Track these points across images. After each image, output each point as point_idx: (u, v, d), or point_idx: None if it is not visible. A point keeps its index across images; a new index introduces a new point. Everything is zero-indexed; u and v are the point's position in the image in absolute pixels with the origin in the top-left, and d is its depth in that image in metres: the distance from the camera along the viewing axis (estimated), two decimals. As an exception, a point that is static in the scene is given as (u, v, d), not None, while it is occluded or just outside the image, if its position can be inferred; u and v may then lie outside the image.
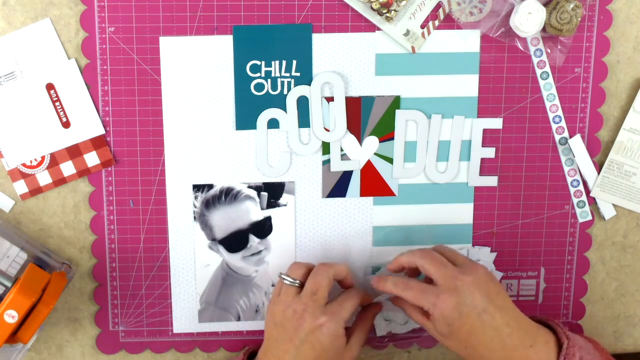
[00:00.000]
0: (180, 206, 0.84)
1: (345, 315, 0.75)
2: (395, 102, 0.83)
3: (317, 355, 0.74)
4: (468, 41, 0.82)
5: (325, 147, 0.83)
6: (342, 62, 0.82)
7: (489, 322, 0.72)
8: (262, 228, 0.85)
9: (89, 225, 0.84)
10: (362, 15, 0.81)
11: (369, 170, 0.85)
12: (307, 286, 0.75)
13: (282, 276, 0.77)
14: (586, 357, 0.73)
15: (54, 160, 0.81)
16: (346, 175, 0.84)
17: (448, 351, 0.90)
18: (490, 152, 0.85)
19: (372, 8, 0.79)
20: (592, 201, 0.87)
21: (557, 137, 0.85)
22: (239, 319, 0.87)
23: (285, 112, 0.82)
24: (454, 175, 0.85)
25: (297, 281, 0.76)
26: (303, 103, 0.82)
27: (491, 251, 0.87)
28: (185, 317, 0.86)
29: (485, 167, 0.85)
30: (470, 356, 0.73)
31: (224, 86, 0.82)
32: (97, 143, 0.82)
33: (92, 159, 0.82)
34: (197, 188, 0.83)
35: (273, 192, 0.84)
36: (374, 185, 0.85)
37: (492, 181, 0.85)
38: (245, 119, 0.82)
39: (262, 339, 0.80)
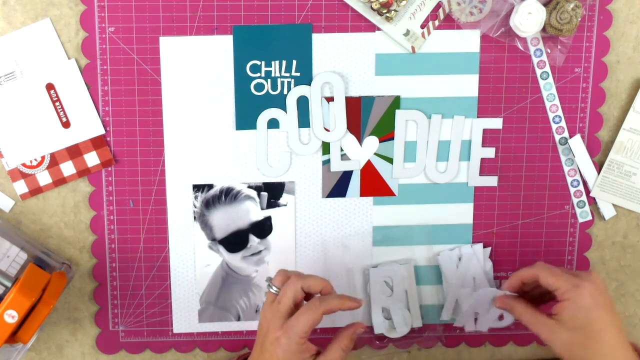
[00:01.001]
0: (180, 206, 0.84)
1: (299, 330, 0.70)
2: (395, 102, 0.83)
3: None
4: (468, 41, 0.82)
5: (325, 147, 0.83)
6: (342, 62, 0.82)
7: (615, 323, 0.71)
8: (262, 228, 0.85)
9: (89, 225, 0.84)
10: (362, 15, 0.81)
11: (369, 170, 0.85)
12: (278, 296, 0.74)
13: (266, 282, 0.76)
14: None
15: (54, 160, 0.81)
16: (346, 175, 0.84)
17: (448, 351, 0.90)
18: (490, 152, 0.85)
19: (372, 8, 0.79)
20: (592, 201, 0.87)
21: (557, 137, 0.85)
22: (239, 319, 0.87)
23: (285, 112, 0.82)
24: (454, 175, 0.85)
25: (277, 289, 0.74)
26: (303, 103, 0.82)
27: (487, 248, 0.87)
28: (185, 317, 0.86)
29: (485, 167, 0.85)
30: (591, 354, 0.70)
31: (224, 86, 0.82)
32: (97, 143, 0.82)
33: (92, 159, 0.82)
34: (197, 188, 0.83)
35: (273, 192, 0.84)
36: (374, 185, 0.85)
37: (492, 181, 0.85)
38: (245, 119, 0.82)
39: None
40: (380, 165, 0.84)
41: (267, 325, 0.72)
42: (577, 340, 0.71)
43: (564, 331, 0.71)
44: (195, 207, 0.84)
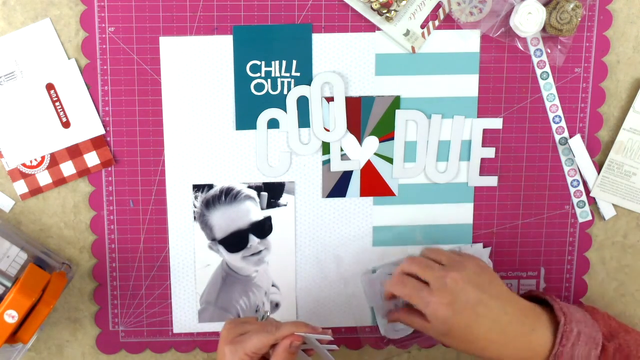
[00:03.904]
0: (180, 206, 0.84)
1: (247, 347, 0.69)
2: (395, 102, 0.83)
3: None
4: (468, 41, 0.82)
5: (325, 147, 0.83)
6: (342, 62, 0.82)
7: (485, 314, 0.73)
8: (262, 228, 0.85)
9: (89, 225, 0.84)
10: (362, 15, 0.81)
11: (369, 170, 0.85)
12: (247, 331, 0.72)
13: (262, 313, 0.75)
14: (584, 330, 0.74)
15: (54, 160, 0.81)
16: (346, 175, 0.84)
17: (448, 351, 0.90)
18: (490, 152, 0.85)
19: (372, 8, 0.79)
20: (592, 201, 0.87)
21: (557, 137, 0.85)
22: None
23: (285, 112, 0.82)
24: (454, 175, 0.85)
25: (264, 315, 0.74)
26: (303, 103, 0.82)
27: (487, 248, 0.87)
28: (185, 317, 0.86)
29: (485, 167, 0.85)
30: (471, 350, 0.74)
31: (224, 86, 0.82)
32: (97, 143, 0.82)
33: (92, 159, 0.82)
34: (197, 188, 0.83)
35: (273, 192, 0.84)
36: (374, 185, 0.85)
37: (492, 181, 0.85)
38: (245, 119, 0.82)
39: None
40: (380, 165, 0.84)
41: (220, 336, 0.72)
42: (451, 340, 0.74)
43: (438, 334, 0.75)
44: (195, 207, 0.84)
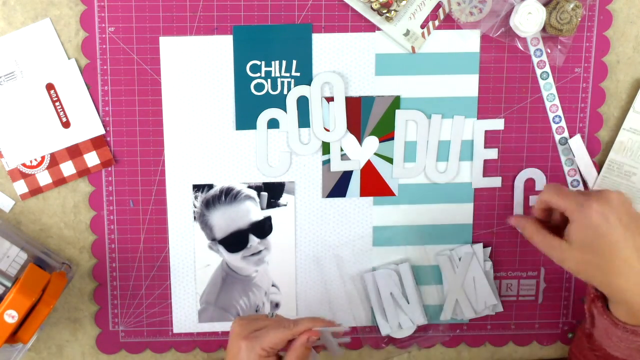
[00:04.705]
0: (180, 206, 0.84)
1: (264, 342, 0.69)
2: (395, 102, 0.83)
3: None
4: (468, 41, 0.82)
5: (325, 147, 0.83)
6: (342, 62, 0.82)
7: (632, 239, 0.69)
8: (262, 228, 0.85)
9: (89, 225, 0.84)
10: (362, 15, 0.81)
11: (369, 170, 0.85)
12: (263, 328, 0.72)
13: (271, 312, 0.75)
14: None
15: (54, 160, 0.81)
16: (346, 175, 0.84)
17: (448, 351, 0.90)
18: (493, 154, 0.85)
19: (372, 8, 0.79)
20: (592, 201, 0.87)
21: (557, 137, 0.85)
22: (239, 319, 0.87)
23: (285, 112, 0.82)
24: (454, 175, 0.85)
25: (272, 314, 0.74)
26: (303, 103, 0.82)
27: (487, 248, 0.87)
28: (185, 317, 0.86)
29: (488, 167, 0.85)
30: (603, 273, 0.69)
31: (224, 86, 0.82)
32: (97, 143, 0.82)
33: (92, 159, 0.82)
34: (197, 188, 0.83)
35: (273, 192, 0.84)
36: (374, 185, 0.85)
37: (496, 182, 0.85)
38: (245, 119, 0.82)
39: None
40: (380, 165, 0.84)
41: (233, 333, 0.72)
42: (589, 260, 0.70)
43: (574, 251, 0.70)
44: (195, 207, 0.84)
